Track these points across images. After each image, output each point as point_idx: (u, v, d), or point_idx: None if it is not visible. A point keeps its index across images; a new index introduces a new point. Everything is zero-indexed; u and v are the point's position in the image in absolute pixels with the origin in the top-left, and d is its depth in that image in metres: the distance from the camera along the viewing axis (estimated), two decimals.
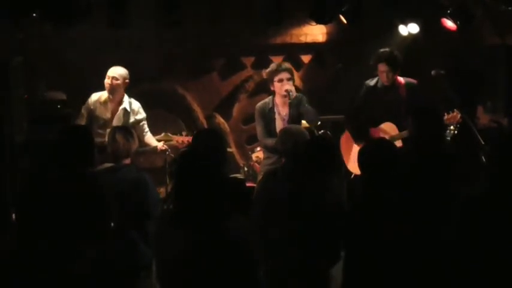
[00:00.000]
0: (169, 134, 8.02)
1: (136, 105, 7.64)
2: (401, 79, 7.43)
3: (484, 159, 6.81)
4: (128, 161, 5.82)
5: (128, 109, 7.53)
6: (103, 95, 7.52)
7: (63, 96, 8.74)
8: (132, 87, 8.41)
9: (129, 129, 6.10)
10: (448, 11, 7.95)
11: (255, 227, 4.52)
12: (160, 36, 8.86)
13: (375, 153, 4.42)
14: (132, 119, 7.55)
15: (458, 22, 7.93)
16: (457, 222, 4.20)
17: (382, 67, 7.38)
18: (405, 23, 8.47)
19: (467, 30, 8.17)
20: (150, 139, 7.67)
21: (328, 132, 7.81)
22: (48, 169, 4.98)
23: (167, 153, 8.12)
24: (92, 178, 4.87)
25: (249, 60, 9.97)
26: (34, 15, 7.12)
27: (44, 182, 3.93)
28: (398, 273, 4.16)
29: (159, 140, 7.89)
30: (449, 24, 8.03)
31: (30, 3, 7.04)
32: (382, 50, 7.50)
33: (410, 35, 8.54)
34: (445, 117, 6.98)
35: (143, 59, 9.25)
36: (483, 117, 7.37)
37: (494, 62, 8.98)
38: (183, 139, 7.76)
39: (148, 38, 8.96)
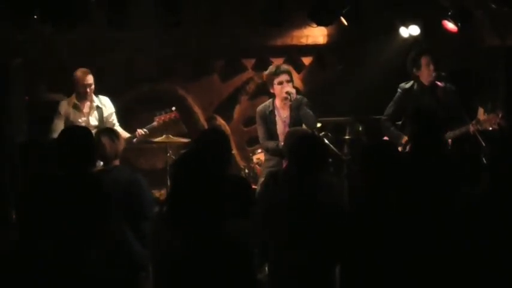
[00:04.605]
0: (171, 136, 8.04)
1: (105, 99, 7.81)
2: (438, 82, 7.33)
3: (484, 161, 6.80)
4: (117, 162, 5.79)
5: (100, 105, 7.68)
6: (70, 100, 7.69)
7: (64, 98, 8.75)
8: (132, 89, 8.45)
9: (113, 130, 6.10)
10: (449, 13, 7.94)
11: (255, 228, 4.51)
12: (160, 37, 8.86)
13: (378, 154, 4.42)
14: (105, 114, 7.68)
15: (459, 24, 7.92)
16: (458, 223, 4.20)
17: (426, 59, 7.34)
18: (406, 25, 8.46)
19: (468, 31, 8.16)
20: (123, 132, 7.63)
21: (329, 133, 7.79)
22: (50, 170, 4.97)
23: (168, 154, 8.13)
24: (95, 178, 4.87)
25: (249, 62, 9.97)
26: (34, 16, 7.12)
27: (46, 182, 3.91)
28: (399, 273, 4.16)
29: (159, 142, 7.90)
30: (450, 26, 8.02)
31: (30, 5, 7.03)
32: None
33: (411, 36, 8.54)
34: (484, 117, 6.94)
35: (143, 60, 9.26)
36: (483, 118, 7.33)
37: (495, 64, 8.98)
38: (164, 117, 7.79)
39: (148, 40, 8.95)
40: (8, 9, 7.00)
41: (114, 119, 7.81)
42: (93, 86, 7.64)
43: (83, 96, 7.64)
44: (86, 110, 7.66)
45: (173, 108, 7.95)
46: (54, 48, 8.79)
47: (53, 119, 7.67)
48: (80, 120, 7.58)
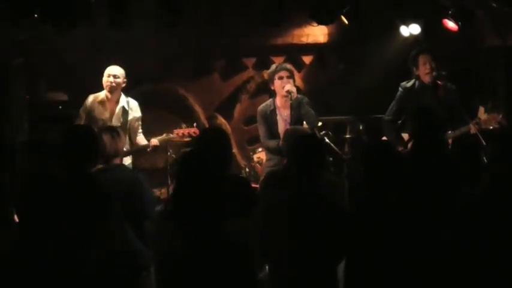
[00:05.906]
0: (171, 135, 8.02)
1: (134, 103, 7.64)
2: (439, 81, 7.29)
3: (485, 160, 6.80)
4: (118, 160, 5.76)
5: (127, 107, 7.53)
6: (100, 95, 7.51)
7: (64, 97, 8.76)
8: (132, 88, 8.42)
9: (115, 128, 6.01)
10: (450, 12, 7.94)
11: (255, 228, 4.52)
12: (161, 37, 8.86)
13: (378, 154, 4.42)
14: (130, 117, 7.54)
15: (459, 23, 7.91)
16: (458, 223, 4.20)
17: (424, 58, 7.32)
18: (406, 24, 8.46)
19: (468, 31, 8.15)
20: (142, 140, 7.63)
21: (330, 132, 7.79)
22: (51, 169, 4.97)
23: (168, 153, 8.12)
24: (95, 178, 4.87)
25: (250, 61, 9.97)
26: (35, 16, 7.12)
27: (46, 182, 3.92)
28: (399, 273, 4.16)
29: (159, 141, 7.89)
30: (450, 25, 8.01)
31: (31, 4, 7.03)
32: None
33: (411, 35, 8.53)
34: (484, 117, 6.92)
35: (144, 59, 9.25)
36: (484, 118, 7.32)
37: (495, 64, 8.98)
38: (183, 131, 7.74)
39: (149, 39, 8.95)
40: (8, 9, 7.01)
41: (139, 124, 7.65)
42: (119, 80, 7.43)
43: (108, 90, 7.44)
44: (111, 108, 7.50)
45: (194, 124, 7.92)
46: (54, 48, 8.79)
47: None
48: (102, 117, 7.41)
